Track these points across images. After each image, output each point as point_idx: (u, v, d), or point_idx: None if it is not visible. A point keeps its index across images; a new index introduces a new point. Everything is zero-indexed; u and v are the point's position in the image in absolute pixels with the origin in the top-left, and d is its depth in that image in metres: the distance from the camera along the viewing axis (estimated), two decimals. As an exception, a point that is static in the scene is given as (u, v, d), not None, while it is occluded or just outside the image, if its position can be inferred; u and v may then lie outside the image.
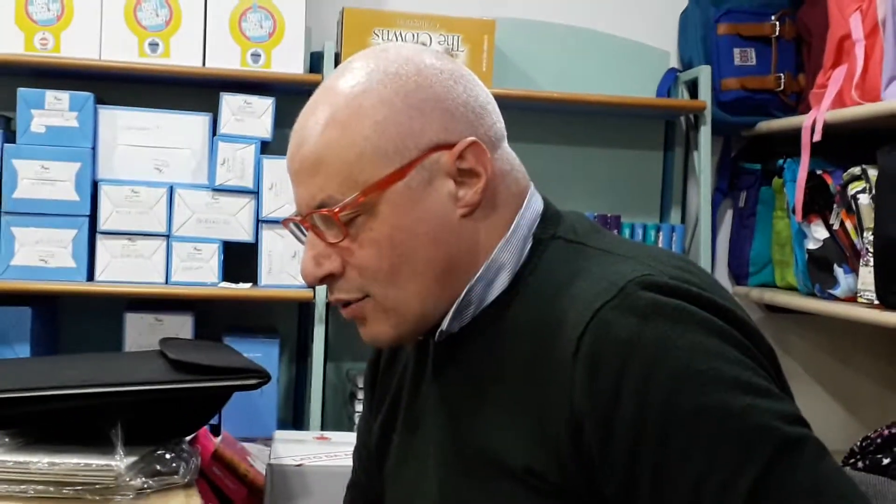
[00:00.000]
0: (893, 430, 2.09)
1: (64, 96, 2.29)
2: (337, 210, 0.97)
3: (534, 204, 1.06)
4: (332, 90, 1.01)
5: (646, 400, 0.87)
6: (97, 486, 1.45)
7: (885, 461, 1.98)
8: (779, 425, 0.86)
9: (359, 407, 2.44)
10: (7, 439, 1.49)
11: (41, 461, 1.46)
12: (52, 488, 1.45)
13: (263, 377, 1.59)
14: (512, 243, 1.02)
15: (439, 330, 1.03)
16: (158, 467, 1.52)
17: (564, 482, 0.92)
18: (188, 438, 1.69)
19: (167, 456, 1.54)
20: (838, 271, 2.30)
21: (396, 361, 1.18)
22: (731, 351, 0.90)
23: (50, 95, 2.28)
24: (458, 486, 1.02)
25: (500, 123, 1.05)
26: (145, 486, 1.48)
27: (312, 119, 1.00)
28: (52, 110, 2.29)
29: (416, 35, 2.45)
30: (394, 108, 0.98)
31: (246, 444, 2.21)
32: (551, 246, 1.03)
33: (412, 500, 1.09)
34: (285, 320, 2.62)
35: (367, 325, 1.04)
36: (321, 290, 2.37)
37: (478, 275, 1.01)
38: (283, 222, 1.08)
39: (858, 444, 1.88)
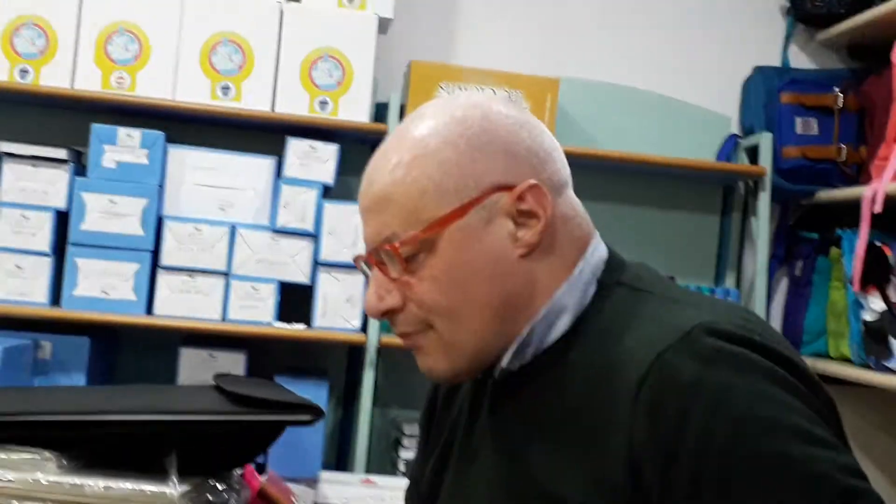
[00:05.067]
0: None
1: (136, 133, 2.35)
2: (398, 245, 1.01)
3: (599, 250, 1.08)
4: (402, 134, 1.05)
5: (707, 444, 0.88)
6: (150, 512, 1.47)
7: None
8: (840, 476, 0.86)
9: (403, 454, 2.45)
10: (64, 461, 1.51)
11: (96, 485, 1.47)
12: (105, 512, 1.47)
13: (317, 413, 1.60)
14: (575, 286, 1.04)
15: (499, 367, 1.05)
16: (210, 497, 1.53)
17: None
18: (238, 472, 1.70)
19: (219, 487, 1.55)
20: (894, 343, 2.27)
21: (453, 402, 1.19)
22: (794, 401, 0.90)
23: (122, 132, 2.35)
24: None
25: (565, 170, 1.08)
26: (196, 514, 1.50)
27: (383, 160, 1.05)
28: (124, 147, 2.35)
29: (480, 90, 2.49)
30: (458, 149, 1.02)
31: (290, 485, 2.22)
32: (616, 292, 1.05)
33: (467, 537, 1.10)
34: (336, 363, 2.64)
35: (423, 357, 1.07)
36: (373, 334, 2.40)
37: (539, 315, 1.03)
38: (355, 259, 1.11)
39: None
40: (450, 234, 1.00)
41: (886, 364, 2.30)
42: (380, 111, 2.56)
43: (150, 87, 2.40)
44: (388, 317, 1.06)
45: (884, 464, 2.66)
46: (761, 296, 2.63)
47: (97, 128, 2.35)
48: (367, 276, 1.10)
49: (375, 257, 1.04)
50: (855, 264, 2.38)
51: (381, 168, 1.04)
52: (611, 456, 0.93)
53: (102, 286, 2.33)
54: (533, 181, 1.02)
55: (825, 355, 2.63)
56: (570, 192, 1.09)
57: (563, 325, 1.04)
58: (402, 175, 1.02)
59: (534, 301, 1.03)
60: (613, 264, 1.07)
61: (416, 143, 1.03)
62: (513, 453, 1.05)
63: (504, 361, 1.04)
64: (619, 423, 0.93)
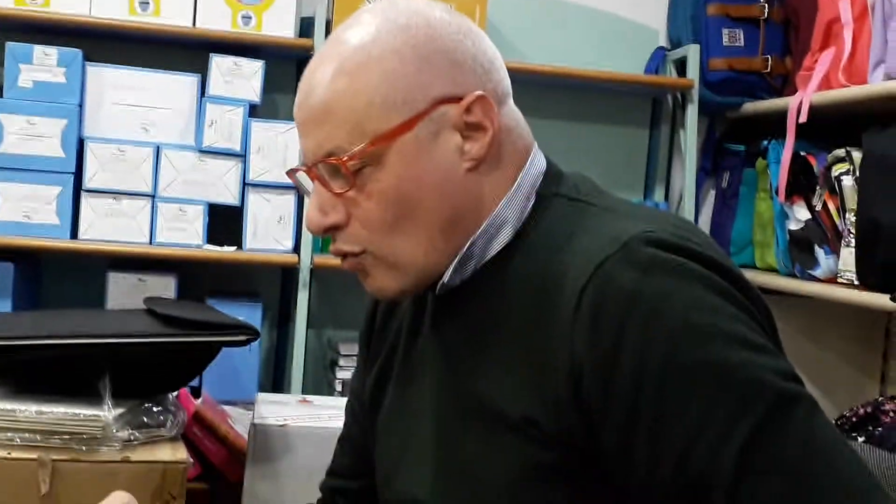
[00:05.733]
0: (868, 409, 2.13)
1: (52, 52, 2.27)
2: (345, 159, 0.97)
3: (538, 162, 1.06)
4: (340, 41, 1.01)
5: (645, 352, 0.88)
6: (84, 436, 1.46)
7: (860, 439, 2.01)
8: (775, 380, 0.88)
9: (339, 374, 2.45)
10: (-6, 387, 1.49)
11: (29, 409, 1.46)
12: (38, 437, 1.46)
13: (252, 334, 1.60)
14: (515, 199, 1.03)
15: (440, 283, 1.04)
16: (145, 420, 1.52)
17: (562, 432, 0.93)
18: (174, 394, 1.69)
19: (154, 409, 1.54)
20: (819, 252, 2.32)
21: (393, 317, 1.19)
22: (730, 307, 0.91)
23: (38, 50, 2.27)
24: (454, 437, 1.03)
25: (506, 80, 1.06)
26: (132, 437, 1.49)
27: (321, 69, 1.00)
28: (41, 66, 2.27)
29: (408, 3, 2.44)
30: (403, 59, 0.98)
31: (226, 407, 2.22)
32: (554, 203, 1.04)
33: (406, 452, 1.10)
34: (268, 285, 2.62)
35: (370, 278, 1.04)
36: (306, 255, 2.38)
37: (480, 229, 1.02)
38: (288, 172, 1.08)
39: (834, 422, 1.91)
40: (397, 148, 0.97)
41: (812, 272, 2.35)
42: (305, 26, 2.50)
43: (66, 3, 2.31)
44: (330, 233, 1.03)
45: (810, 371, 2.74)
46: (689, 208, 2.67)
47: (12, 46, 2.26)
48: (302, 191, 1.08)
49: (316, 171, 1.01)
50: (780, 174, 2.41)
51: (321, 77, 1.00)
52: (552, 367, 0.93)
53: (24, 210, 2.26)
54: (480, 92, 1.00)
55: (752, 266, 2.68)
56: (512, 103, 1.07)
57: (503, 238, 1.03)
58: (344, 85, 0.98)
59: (479, 216, 1.02)
60: (552, 175, 1.06)
61: (358, 51, 0.99)
62: (455, 367, 1.04)
63: (445, 277, 1.03)
64: (560, 334, 0.93)
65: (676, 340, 0.88)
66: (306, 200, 1.04)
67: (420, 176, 0.98)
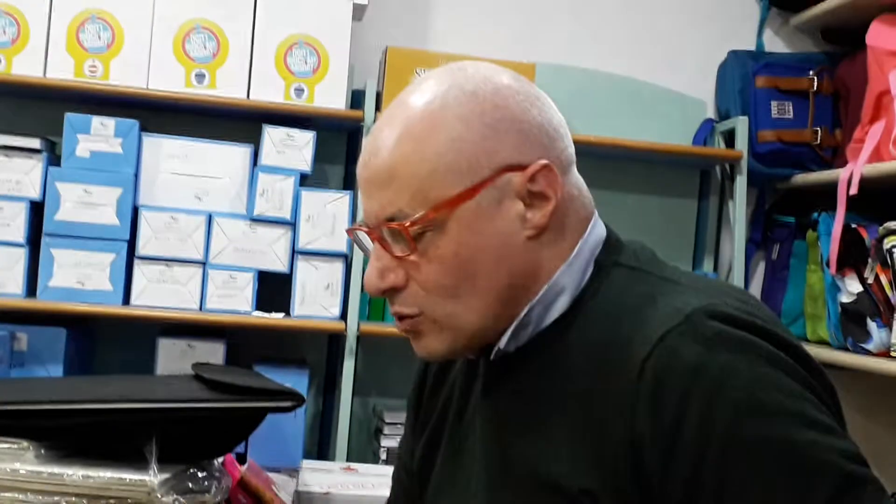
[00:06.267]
0: (924, 488, 2.07)
1: (110, 122, 2.33)
2: (407, 224, 0.97)
3: (597, 230, 1.06)
4: (407, 105, 1.01)
5: (708, 427, 0.87)
6: (130, 501, 1.46)
7: (916, 517, 1.96)
8: (842, 462, 0.86)
9: (384, 442, 2.44)
10: (42, 451, 1.50)
11: (75, 473, 1.47)
12: (85, 501, 1.46)
13: (298, 400, 1.60)
14: (574, 267, 1.02)
15: (495, 349, 1.03)
16: (190, 485, 1.52)
17: None
18: (219, 460, 1.69)
19: (199, 475, 1.54)
20: (871, 325, 2.29)
21: (443, 383, 1.18)
22: (795, 385, 0.90)
23: (96, 121, 2.33)
24: None
25: (571, 148, 1.05)
26: (177, 502, 1.49)
27: (387, 131, 1.00)
28: (98, 136, 2.33)
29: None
30: (469, 126, 0.98)
31: (271, 474, 2.21)
32: (614, 272, 1.03)
33: (456, 520, 1.09)
34: (315, 352, 2.63)
35: (421, 339, 1.04)
36: (353, 322, 2.39)
37: (538, 296, 1.01)
38: (349, 230, 1.09)
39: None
40: (459, 215, 0.97)
41: (864, 346, 2.31)
42: (356, 98, 2.54)
43: (124, 76, 2.37)
44: (387, 295, 1.03)
45: (862, 446, 2.67)
46: (739, 280, 2.64)
47: (71, 117, 2.33)
48: (361, 249, 1.08)
49: (378, 233, 1.01)
50: (831, 247, 2.39)
51: (385, 140, 1.00)
52: (611, 439, 0.92)
53: (78, 277, 2.31)
54: (545, 161, 0.99)
55: (804, 339, 2.65)
56: (575, 171, 1.07)
57: (560, 306, 1.02)
58: (409, 150, 0.98)
59: (537, 284, 1.01)
60: (612, 244, 1.06)
61: (425, 116, 0.99)
62: (507, 437, 1.03)
63: (501, 343, 1.03)
64: (621, 405, 0.92)
65: (740, 417, 0.87)
66: (354, 267, 1.05)
67: (480, 243, 0.98)
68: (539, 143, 1.01)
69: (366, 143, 1.03)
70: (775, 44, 2.85)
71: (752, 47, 2.83)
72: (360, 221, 1.06)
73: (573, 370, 0.98)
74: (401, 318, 1.04)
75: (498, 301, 1.00)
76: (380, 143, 1.00)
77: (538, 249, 1.01)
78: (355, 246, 1.15)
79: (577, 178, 1.07)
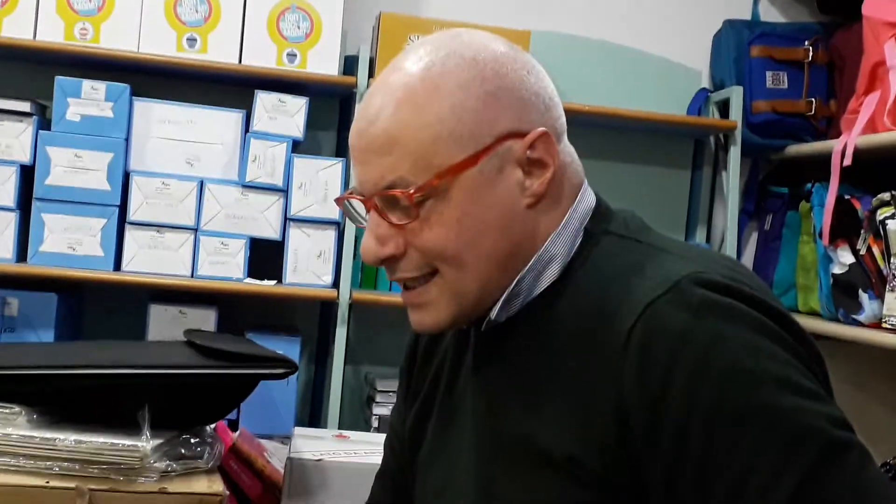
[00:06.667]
0: (912, 458, 2.09)
1: (100, 86, 2.31)
2: (411, 192, 0.96)
3: (587, 198, 1.06)
4: (404, 70, 0.99)
5: (694, 394, 0.87)
6: (122, 467, 1.46)
7: (904, 487, 1.98)
8: (826, 427, 0.86)
9: (376, 410, 2.44)
10: (35, 416, 1.50)
11: (68, 438, 1.46)
12: (77, 466, 1.46)
13: (290, 367, 1.60)
14: (563, 236, 1.02)
15: (487, 319, 1.03)
16: (183, 451, 1.52)
17: (606, 472, 0.92)
18: (212, 426, 1.69)
19: (192, 441, 1.54)
20: (863, 297, 2.29)
21: (434, 352, 1.18)
22: (781, 352, 0.90)
23: (87, 85, 2.31)
24: (496, 475, 1.02)
25: (563, 117, 1.06)
26: (169, 468, 1.49)
27: (384, 97, 0.99)
28: (88, 100, 2.31)
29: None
30: (470, 92, 0.98)
31: (263, 441, 2.22)
32: (603, 240, 1.03)
33: (446, 489, 1.09)
34: (307, 320, 2.63)
35: (423, 311, 1.03)
36: (345, 290, 2.38)
37: (528, 266, 1.01)
38: (338, 200, 1.07)
39: (879, 467, 1.87)
40: (462, 182, 0.97)
41: (855, 317, 2.32)
42: (349, 64, 2.52)
43: (115, 39, 2.35)
44: (386, 263, 1.02)
45: (853, 417, 2.69)
46: (731, 250, 2.64)
47: (61, 80, 2.30)
48: (351, 218, 1.07)
49: (375, 202, 1.00)
50: (824, 218, 2.39)
51: (384, 106, 0.98)
52: (599, 405, 0.93)
53: (69, 242, 2.29)
54: (543, 129, 0.99)
55: (795, 309, 2.65)
56: (566, 139, 1.07)
57: (550, 274, 1.02)
58: (410, 116, 0.97)
59: (532, 250, 1.01)
60: (601, 212, 1.06)
61: (426, 82, 0.98)
62: (498, 405, 1.03)
63: (492, 314, 1.03)
64: (607, 373, 0.92)
65: (726, 384, 0.87)
66: (346, 235, 1.04)
67: (482, 210, 0.98)
68: (537, 111, 1.01)
69: (359, 109, 1.02)
70: (771, 13, 2.84)
71: (748, 17, 2.81)
72: (352, 189, 1.05)
73: (562, 339, 0.99)
74: (407, 287, 1.03)
75: (498, 269, 1.00)
76: (377, 109, 0.99)
77: (536, 217, 1.01)
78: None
79: (569, 146, 1.07)
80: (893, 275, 2.15)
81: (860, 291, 2.30)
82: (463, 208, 0.97)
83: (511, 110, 0.99)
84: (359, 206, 1.03)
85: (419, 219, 0.98)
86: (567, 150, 1.06)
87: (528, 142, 0.99)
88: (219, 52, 2.38)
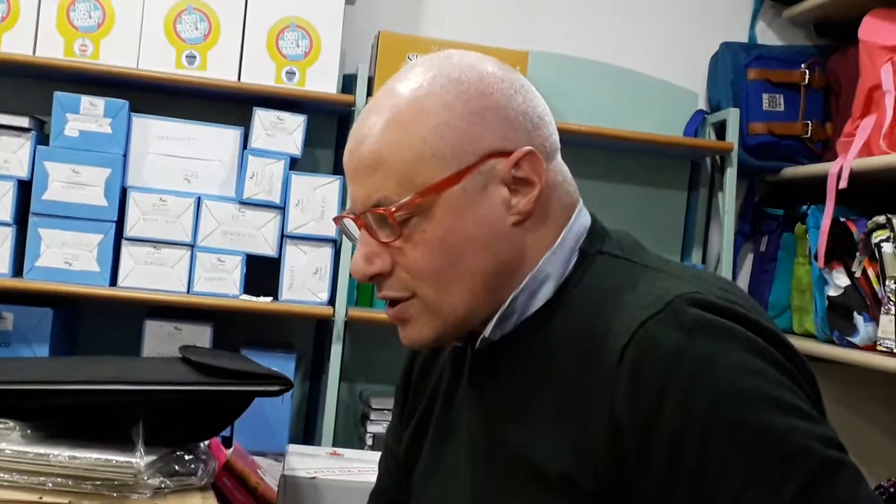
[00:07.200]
0: (907, 481, 2.09)
1: (99, 102, 2.32)
2: (393, 210, 0.98)
3: (582, 218, 1.07)
4: (394, 92, 1.02)
5: (687, 413, 0.88)
6: (116, 483, 1.46)
7: (899, 511, 1.98)
8: (818, 448, 0.87)
9: (371, 427, 2.44)
10: (29, 431, 1.50)
11: (61, 454, 1.46)
12: (70, 482, 1.46)
13: (285, 384, 1.60)
14: (558, 255, 1.03)
15: (480, 337, 1.04)
16: (177, 468, 1.52)
17: (600, 490, 0.92)
18: (206, 443, 1.69)
19: (186, 457, 1.54)
20: (858, 319, 2.30)
21: (431, 371, 1.18)
22: (774, 372, 0.90)
23: (85, 101, 2.31)
24: (490, 494, 1.02)
25: (555, 135, 1.07)
26: (163, 485, 1.49)
27: (374, 118, 1.01)
28: (87, 115, 2.31)
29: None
30: (454, 112, 0.99)
31: (257, 458, 2.21)
32: (597, 260, 1.04)
33: (442, 507, 1.09)
34: (302, 337, 2.62)
35: (408, 327, 1.05)
36: (341, 307, 2.38)
37: (522, 285, 1.02)
38: (336, 219, 1.09)
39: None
40: (444, 200, 0.98)
41: (850, 339, 2.32)
42: (347, 82, 2.53)
43: (114, 56, 2.36)
44: (374, 280, 1.04)
45: (847, 439, 2.69)
46: (726, 271, 2.65)
47: (60, 96, 2.31)
48: (348, 237, 1.08)
49: (364, 220, 1.02)
50: (820, 240, 2.40)
51: (372, 127, 1.01)
52: (592, 424, 0.93)
53: (65, 257, 2.29)
54: (529, 147, 1.00)
55: (789, 331, 2.66)
56: (560, 158, 1.08)
57: (545, 294, 1.03)
58: (395, 137, 0.99)
59: (521, 270, 1.02)
60: (596, 232, 1.07)
61: (411, 103, 1.00)
62: (493, 424, 1.04)
63: (486, 332, 1.03)
64: (601, 391, 0.93)
65: (719, 403, 0.87)
66: (343, 253, 1.05)
67: (466, 228, 0.99)
68: (523, 130, 1.02)
69: (353, 130, 1.04)
70: (768, 36, 2.85)
71: (745, 39, 2.83)
72: (346, 210, 1.07)
73: (556, 358, 0.99)
74: (391, 303, 1.05)
75: (483, 287, 1.01)
76: (366, 130, 1.02)
77: (523, 236, 1.02)
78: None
79: (561, 165, 1.08)
80: (888, 297, 2.16)
81: (855, 314, 2.31)
82: (446, 226, 0.99)
83: (496, 129, 1.00)
84: (352, 224, 1.05)
85: (404, 237, 0.99)
86: (558, 168, 1.07)
87: (514, 160, 1.00)
88: (218, 69, 2.39)
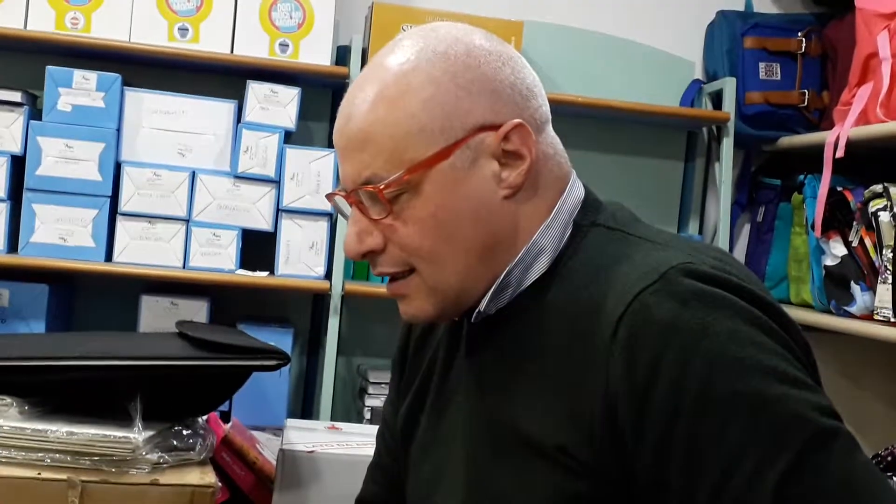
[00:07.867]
0: (904, 449, 2.09)
1: (92, 76, 2.30)
2: (382, 187, 0.98)
3: (575, 190, 1.06)
4: (381, 67, 1.01)
5: (682, 383, 0.88)
6: (114, 458, 1.46)
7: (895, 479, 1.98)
8: (813, 416, 0.87)
9: (368, 401, 2.44)
10: (27, 407, 1.49)
11: (59, 430, 1.46)
12: (69, 458, 1.46)
13: (283, 359, 1.60)
14: (552, 228, 1.03)
15: (476, 311, 1.04)
16: (175, 443, 1.52)
17: (595, 461, 0.93)
18: (204, 418, 1.69)
19: (184, 432, 1.54)
20: (855, 288, 2.29)
21: (427, 345, 1.18)
22: (768, 341, 0.90)
23: (78, 75, 2.30)
24: (487, 466, 1.02)
25: (545, 107, 1.06)
26: (161, 460, 1.49)
27: (361, 95, 1.01)
28: (80, 89, 2.30)
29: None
30: (441, 87, 0.99)
31: (255, 433, 2.22)
32: (591, 232, 1.04)
33: (438, 481, 1.10)
34: (299, 311, 2.62)
35: (407, 302, 1.05)
36: (337, 281, 2.38)
37: (517, 258, 1.02)
38: (328, 196, 1.09)
39: (870, 459, 1.87)
40: (434, 176, 0.98)
41: (847, 309, 2.32)
42: (341, 54, 2.52)
43: (106, 29, 2.34)
44: (368, 258, 1.03)
45: (844, 408, 2.69)
46: (724, 241, 2.65)
47: (52, 70, 2.29)
48: (341, 214, 1.08)
49: (355, 197, 1.01)
50: (817, 210, 2.39)
51: (360, 104, 1.00)
52: (587, 395, 0.93)
53: (60, 232, 2.28)
54: (518, 120, 1.00)
55: (787, 301, 2.66)
56: (550, 130, 1.07)
57: (540, 267, 1.03)
58: (383, 113, 0.99)
59: (515, 243, 1.02)
60: (589, 204, 1.06)
61: (398, 79, 0.99)
62: (489, 396, 1.04)
63: (482, 305, 1.03)
64: (596, 362, 0.93)
65: (713, 372, 0.88)
66: (339, 227, 1.04)
67: (456, 203, 0.99)
68: (512, 103, 1.01)
69: (341, 107, 1.03)
70: (764, 4, 2.83)
71: (741, 7, 2.81)
72: (338, 187, 1.06)
73: (552, 330, 0.99)
74: (391, 279, 1.04)
75: (478, 261, 1.01)
76: (354, 107, 1.01)
77: (515, 209, 1.02)
78: (336, 211, 1.14)
79: (552, 137, 1.07)
80: (885, 267, 2.16)
81: (852, 283, 2.31)
82: (436, 202, 0.98)
83: (484, 103, 0.99)
84: (344, 202, 1.05)
85: (394, 214, 0.99)
86: (549, 140, 1.06)
87: (503, 133, 0.99)
88: (211, 42, 2.37)
